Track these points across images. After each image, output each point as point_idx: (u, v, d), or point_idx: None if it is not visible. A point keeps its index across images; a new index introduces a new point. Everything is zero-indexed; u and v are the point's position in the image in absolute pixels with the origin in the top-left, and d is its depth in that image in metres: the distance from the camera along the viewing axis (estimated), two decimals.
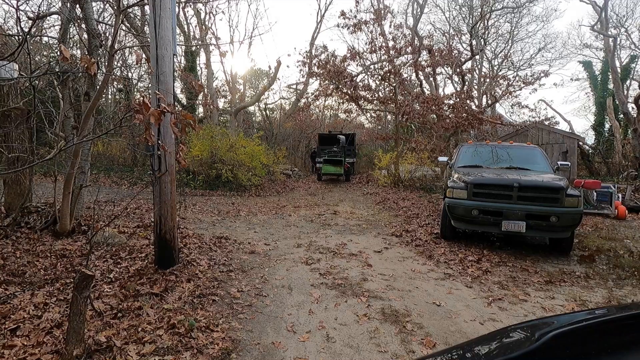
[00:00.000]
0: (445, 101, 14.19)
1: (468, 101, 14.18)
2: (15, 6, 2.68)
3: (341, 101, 17.18)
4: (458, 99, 13.82)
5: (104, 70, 5.37)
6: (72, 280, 3.61)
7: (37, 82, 6.32)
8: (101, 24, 6.78)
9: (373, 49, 14.83)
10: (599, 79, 21.63)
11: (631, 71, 20.55)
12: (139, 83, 17.68)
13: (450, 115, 13.67)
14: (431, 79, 18.90)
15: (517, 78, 16.10)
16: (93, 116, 4.93)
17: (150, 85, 4.50)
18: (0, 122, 5.11)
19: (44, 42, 11.04)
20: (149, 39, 4.36)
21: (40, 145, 7.63)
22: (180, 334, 2.83)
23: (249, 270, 4.58)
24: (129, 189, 11.31)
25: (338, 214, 8.86)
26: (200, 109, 20.62)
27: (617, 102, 16.69)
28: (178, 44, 7.76)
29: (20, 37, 3.43)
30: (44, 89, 8.05)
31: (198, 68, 19.44)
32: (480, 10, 19.30)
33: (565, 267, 5.02)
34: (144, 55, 9.63)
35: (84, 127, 4.64)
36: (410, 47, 15.08)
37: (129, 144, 14.51)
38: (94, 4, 6.27)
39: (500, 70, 24.52)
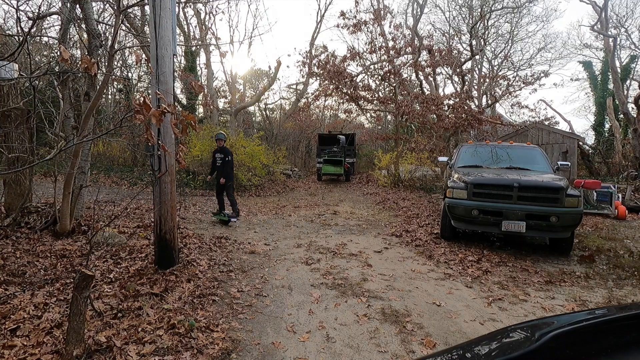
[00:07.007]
0: (445, 101, 14.16)
1: (468, 101, 14.16)
2: (15, 6, 2.68)
3: (341, 101, 17.16)
4: (458, 99, 13.80)
5: (104, 71, 5.37)
6: (72, 280, 3.61)
7: (37, 82, 6.31)
8: (101, 24, 6.78)
9: (373, 49, 14.83)
10: (599, 79, 21.61)
11: (631, 71, 20.54)
12: (139, 83, 17.67)
13: (450, 116, 13.66)
14: (431, 79, 18.87)
15: (517, 78, 16.12)
16: (93, 116, 4.94)
17: (150, 85, 4.50)
18: (0, 122, 5.11)
19: (44, 42, 11.03)
20: (149, 39, 4.36)
21: (40, 145, 7.63)
22: (180, 334, 2.83)
23: (249, 270, 4.58)
24: (129, 189, 11.31)
25: (338, 214, 8.86)
26: (200, 109, 20.62)
27: (617, 102, 16.68)
28: (178, 44, 7.76)
29: (20, 37, 3.44)
30: (44, 89, 8.05)
31: (198, 68, 19.44)
32: (480, 10, 19.29)
33: (565, 267, 5.02)
34: (143, 56, 9.63)
35: (84, 127, 4.64)
36: (410, 47, 15.07)
37: (129, 144, 14.50)
38: (94, 4, 6.27)
39: (500, 70, 24.46)
